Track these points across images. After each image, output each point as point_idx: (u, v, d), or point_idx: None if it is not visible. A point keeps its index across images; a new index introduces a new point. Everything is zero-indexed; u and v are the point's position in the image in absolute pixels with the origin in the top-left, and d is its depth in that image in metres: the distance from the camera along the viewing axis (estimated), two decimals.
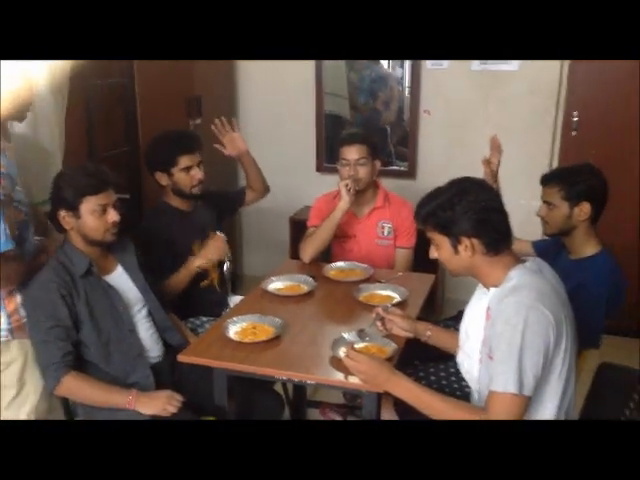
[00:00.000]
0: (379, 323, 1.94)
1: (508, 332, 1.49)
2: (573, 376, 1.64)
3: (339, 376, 1.74)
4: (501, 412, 1.49)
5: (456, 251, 1.61)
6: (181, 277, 2.36)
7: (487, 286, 1.66)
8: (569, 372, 1.60)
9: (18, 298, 1.90)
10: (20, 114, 1.92)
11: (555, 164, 3.51)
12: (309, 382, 1.81)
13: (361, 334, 1.87)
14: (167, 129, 2.52)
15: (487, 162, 2.45)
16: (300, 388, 2.61)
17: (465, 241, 1.59)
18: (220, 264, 2.50)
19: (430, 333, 1.96)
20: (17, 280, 1.86)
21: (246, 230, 4.27)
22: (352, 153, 2.54)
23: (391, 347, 1.83)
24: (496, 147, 2.45)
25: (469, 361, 1.71)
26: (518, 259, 1.64)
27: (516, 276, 1.58)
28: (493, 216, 1.60)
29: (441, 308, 3.67)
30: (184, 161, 2.35)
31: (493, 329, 1.55)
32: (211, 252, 2.35)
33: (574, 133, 3.48)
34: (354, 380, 1.69)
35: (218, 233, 2.39)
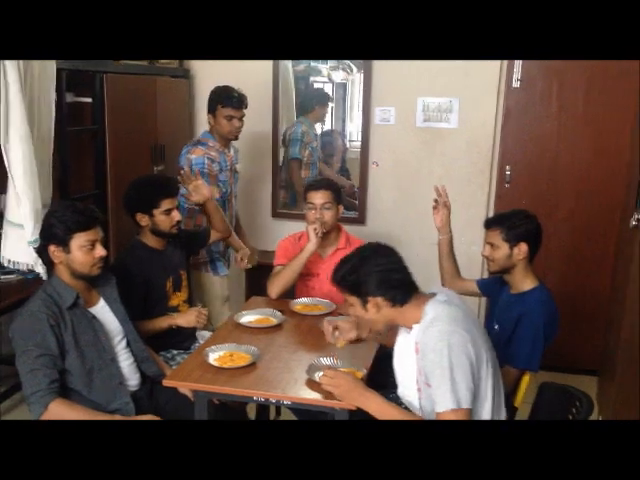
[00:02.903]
0: (337, 333, 2.21)
1: (437, 357, 1.71)
2: (499, 384, 1.87)
3: (312, 396, 1.91)
4: None
5: (365, 309, 1.85)
6: (156, 326, 2.50)
7: (408, 326, 1.88)
8: (495, 379, 1.82)
9: None
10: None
11: (491, 213, 3.84)
12: (285, 402, 1.97)
13: (313, 366, 2.04)
14: (144, 174, 2.71)
15: (437, 209, 2.70)
16: (263, 414, 2.79)
17: (372, 300, 1.83)
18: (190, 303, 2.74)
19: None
20: None
21: None
22: (318, 198, 2.75)
23: (361, 371, 2.04)
24: (443, 191, 2.70)
25: (409, 392, 1.90)
26: (427, 295, 1.87)
27: (431, 310, 1.80)
28: (393, 275, 1.84)
29: None
30: (165, 204, 2.50)
31: (424, 359, 1.76)
32: (193, 321, 2.50)
33: (507, 185, 3.85)
34: (327, 399, 1.87)
35: (203, 309, 2.54)
